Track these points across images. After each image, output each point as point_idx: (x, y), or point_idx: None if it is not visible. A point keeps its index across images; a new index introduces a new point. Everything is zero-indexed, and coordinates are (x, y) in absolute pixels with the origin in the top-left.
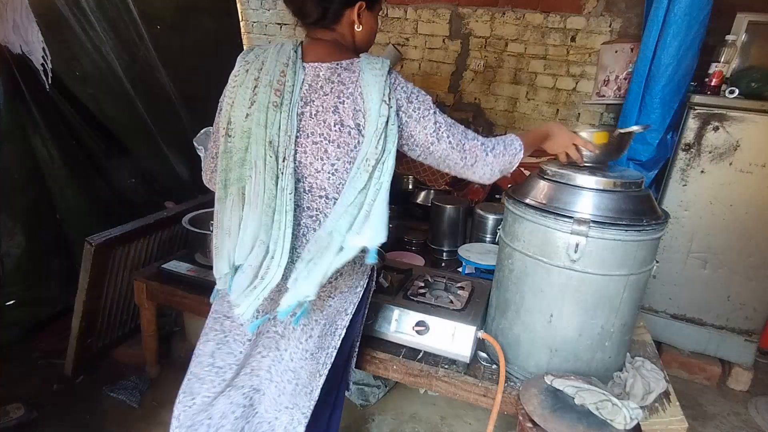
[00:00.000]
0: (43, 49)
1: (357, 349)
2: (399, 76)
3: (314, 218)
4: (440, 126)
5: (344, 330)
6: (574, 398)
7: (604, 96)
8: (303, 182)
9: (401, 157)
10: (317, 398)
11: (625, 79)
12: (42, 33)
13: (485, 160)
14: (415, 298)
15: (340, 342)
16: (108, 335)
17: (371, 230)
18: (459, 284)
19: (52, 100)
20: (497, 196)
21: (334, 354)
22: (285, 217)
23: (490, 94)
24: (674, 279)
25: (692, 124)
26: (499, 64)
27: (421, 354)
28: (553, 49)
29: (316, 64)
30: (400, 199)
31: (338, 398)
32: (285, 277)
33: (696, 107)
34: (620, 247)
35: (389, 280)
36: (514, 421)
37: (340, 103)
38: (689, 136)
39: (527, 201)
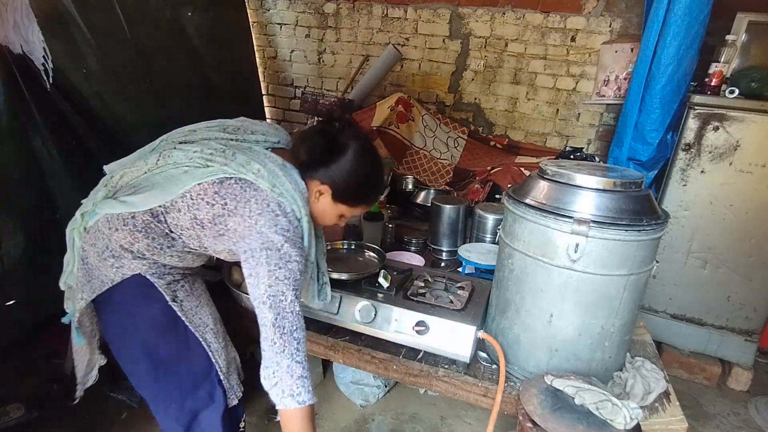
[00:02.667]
0: (44, 48)
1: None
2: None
3: None
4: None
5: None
6: (574, 398)
7: (604, 96)
8: None
9: (401, 156)
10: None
11: (625, 79)
12: (43, 32)
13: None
14: (415, 298)
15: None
16: None
17: None
18: (459, 284)
19: (52, 100)
20: (497, 196)
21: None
22: None
23: (490, 94)
24: (674, 279)
25: (692, 124)
26: (499, 64)
27: (421, 354)
28: (553, 49)
29: None
30: (400, 199)
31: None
32: None
33: (696, 107)
34: (620, 247)
35: (389, 280)
36: (514, 421)
37: None
38: (689, 136)
39: (527, 201)
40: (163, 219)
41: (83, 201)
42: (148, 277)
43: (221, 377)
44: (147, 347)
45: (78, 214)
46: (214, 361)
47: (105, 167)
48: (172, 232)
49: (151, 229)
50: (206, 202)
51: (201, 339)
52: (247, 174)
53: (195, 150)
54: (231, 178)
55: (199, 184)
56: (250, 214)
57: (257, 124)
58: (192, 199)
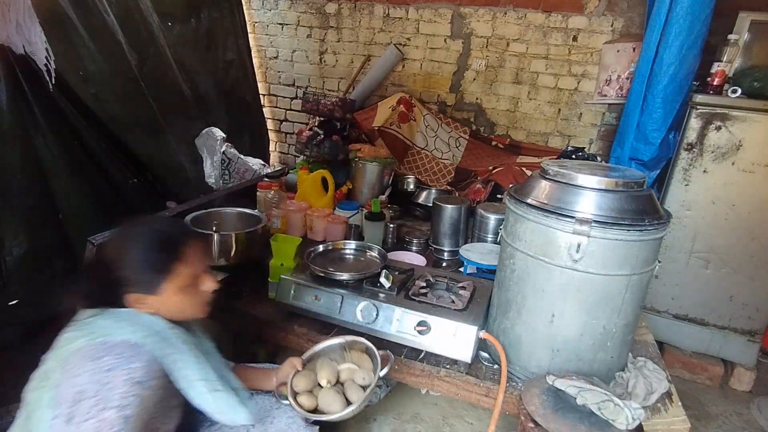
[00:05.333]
0: (47, 49)
1: None
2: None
3: None
4: None
5: None
6: (575, 398)
7: (606, 95)
8: None
9: (402, 156)
10: None
11: (627, 78)
12: (45, 33)
13: None
14: (417, 298)
15: None
16: None
17: None
18: (460, 284)
19: (54, 100)
20: (498, 196)
21: None
22: None
23: (491, 94)
24: (676, 279)
25: (694, 123)
26: (500, 63)
27: (423, 354)
28: (555, 49)
29: None
30: (401, 199)
31: None
32: None
33: (698, 107)
34: (622, 247)
35: (391, 280)
36: (515, 422)
37: None
38: (691, 135)
39: (529, 201)
40: None
41: None
42: None
43: None
44: None
45: None
46: None
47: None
48: None
49: None
50: None
51: None
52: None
53: None
54: None
55: None
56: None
57: None
58: None
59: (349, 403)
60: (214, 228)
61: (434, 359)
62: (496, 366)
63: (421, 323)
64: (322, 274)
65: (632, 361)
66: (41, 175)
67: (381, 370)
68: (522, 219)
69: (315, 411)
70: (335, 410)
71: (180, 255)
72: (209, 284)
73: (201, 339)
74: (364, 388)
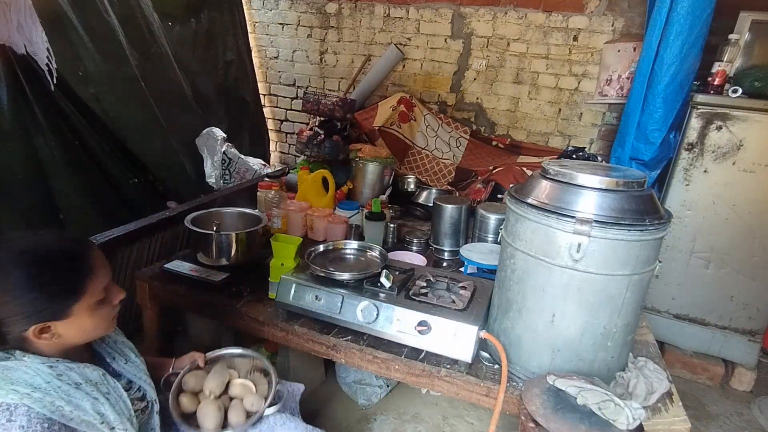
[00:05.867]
0: (48, 49)
1: None
2: None
3: None
4: None
5: None
6: (576, 398)
7: (606, 95)
8: None
9: (403, 156)
10: None
11: (627, 78)
12: (45, 33)
13: None
14: (417, 298)
15: None
16: None
17: None
18: (461, 284)
19: (55, 100)
20: (499, 196)
21: None
22: None
23: (492, 94)
24: (677, 279)
25: (695, 123)
26: (501, 63)
27: (423, 354)
28: (556, 49)
29: None
30: (401, 198)
31: None
32: None
33: (699, 106)
34: (623, 246)
35: (391, 280)
36: (516, 421)
37: None
38: (692, 135)
39: (529, 200)
40: None
41: None
42: None
43: None
44: None
45: None
46: None
47: None
48: None
49: None
50: None
51: None
52: None
53: None
54: None
55: None
56: None
57: None
58: None
59: (225, 424)
60: (214, 228)
61: (435, 359)
62: (496, 366)
63: (421, 323)
64: (323, 274)
65: (633, 361)
66: (41, 175)
67: (269, 405)
68: (522, 219)
69: (191, 416)
70: (206, 426)
71: (91, 268)
72: (118, 294)
73: (115, 352)
74: (249, 414)
